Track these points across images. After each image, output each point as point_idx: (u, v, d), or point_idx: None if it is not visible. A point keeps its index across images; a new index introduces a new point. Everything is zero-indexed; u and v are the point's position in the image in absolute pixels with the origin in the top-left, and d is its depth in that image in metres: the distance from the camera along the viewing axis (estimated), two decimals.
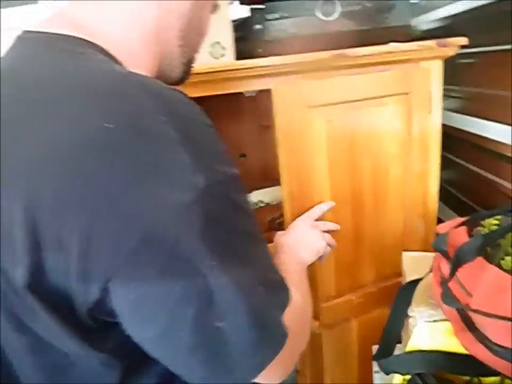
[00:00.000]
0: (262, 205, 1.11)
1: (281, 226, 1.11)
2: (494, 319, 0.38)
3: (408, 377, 0.49)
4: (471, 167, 1.06)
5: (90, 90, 0.32)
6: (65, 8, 0.41)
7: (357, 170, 0.87)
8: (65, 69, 0.34)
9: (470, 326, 0.43)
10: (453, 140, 1.06)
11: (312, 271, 0.88)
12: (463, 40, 0.85)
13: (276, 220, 1.07)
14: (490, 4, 0.90)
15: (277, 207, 1.09)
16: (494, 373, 0.46)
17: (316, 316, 0.91)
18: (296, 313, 0.42)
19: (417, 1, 1.11)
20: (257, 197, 1.12)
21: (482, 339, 0.40)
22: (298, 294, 0.45)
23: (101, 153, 0.29)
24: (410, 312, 0.62)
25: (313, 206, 0.84)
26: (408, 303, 0.62)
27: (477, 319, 0.42)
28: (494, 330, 0.38)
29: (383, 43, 0.84)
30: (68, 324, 0.32)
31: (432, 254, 0.81)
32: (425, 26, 1.17)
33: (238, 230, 0.36)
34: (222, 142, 0.37)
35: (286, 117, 0.78)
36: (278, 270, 0.41)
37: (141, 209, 0.29)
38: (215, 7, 0.48)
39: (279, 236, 0.73)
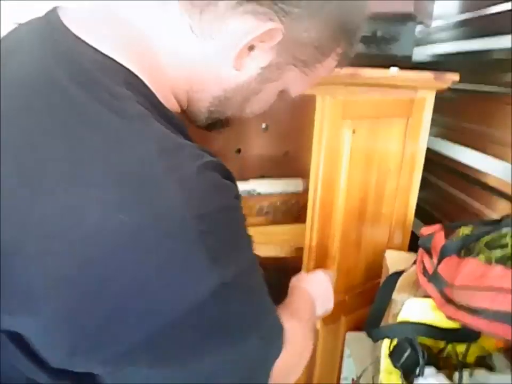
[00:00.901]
0: (254, 193, 1.20)
1: (267, 215, 1.21)
2: (474, 291, 0.50)
3: (394, 344, 0.60)
4: (445, 187, 1.22)
5: (120, 173, 0.29)
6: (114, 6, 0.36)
7: (365, 180, 0.99)
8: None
9: (450, 301, 0.55)
10: (430, 162, 1.21)
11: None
12: (456, 76, 0.99)
13: (263, 209, 1.17)
14: (478, 51, 1.06)
15: (266, 197, 1.18)
16: (464, 340, 0.58)
17: None
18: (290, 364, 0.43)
19: (419, 36, 1.25)
20: (251, 185, 1.21)
21: (462, 308, 0.51)
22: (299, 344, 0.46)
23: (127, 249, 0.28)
24: (394, 296, 0.74)
25: (331, 209, 0.93)
26: (392, 289, 0.74)
27: (458, 294, 0.53)
28: (474, 299, 0.50)
29: (385, 67, 0.96)
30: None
31: (408, 254, 0.94)
32: (422, 58, 1.32)
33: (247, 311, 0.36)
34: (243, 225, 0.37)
35: (324, 123, 0.87)
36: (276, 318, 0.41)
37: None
38: (285, 95, 0.44)
39: (300, 280, 0.69)
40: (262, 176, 1.40)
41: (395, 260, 0.88)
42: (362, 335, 1.05)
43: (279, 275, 1.00)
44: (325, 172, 0.91)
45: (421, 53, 1.35)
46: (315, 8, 0.34)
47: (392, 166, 1.02)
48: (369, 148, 0.97)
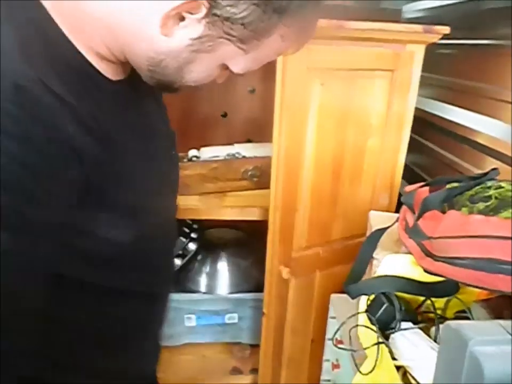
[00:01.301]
0: (239, 156, 1.17)
1: (252, 178, 1.18)
2: (454, 240, 0.47)
3: (371, 298, 0.58)
4: (435, 148, 1.18)
5: None
6: None
7: (340, 136, 0.95)
8: None
9: (428, 254, 0.53)
10: (420, 122, 1.17)
11: (290, 222, 0.96)
12: (446, 29, 0.94)
13: (248, 172, 1.14)
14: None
15: (251, 160, 1.15)
16: (443, 295, 0.56)
17: (287, 263, 0.99)
18: None
19: None
20: (236, 149, 1.18)
21: (441, 259, 0.49)
22: None
23: None
24: (375, 255, 0.72)
25: (298, 166, 0.91)
26: (374, 247, 0.71)
27: (437, 245, 0.51)
28: (454, 248, 0.47)
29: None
30: None
31: (394, 215, 0.91)
32: (413, 14, 1.26)
33: None
34: None
35: (286, 76, 0.83)
36: None
37: None
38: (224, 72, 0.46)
39: None
40: (249, 141, 1.36)
41: (379, 220, 0.85)
42: (347, 298, 1.04)
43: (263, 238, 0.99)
44: (289, 129, 0.88)
45: (412, 9, 1.29)
46: None
47: (374, 123, 0.98)
48: (344, 102, 0.93)
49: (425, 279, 0.56)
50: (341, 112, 0.93)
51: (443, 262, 0.48)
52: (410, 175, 1.21)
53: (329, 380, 1.06)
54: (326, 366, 1.05)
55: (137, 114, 0.51)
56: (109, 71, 0.45)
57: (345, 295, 1.05)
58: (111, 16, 0.40)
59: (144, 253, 0.51)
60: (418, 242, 0.56)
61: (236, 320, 1.26)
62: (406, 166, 1.08)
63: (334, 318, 0.99)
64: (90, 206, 0.42)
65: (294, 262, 1.00)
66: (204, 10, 0.37)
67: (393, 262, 0.58)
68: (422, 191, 0.70)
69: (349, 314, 0.93)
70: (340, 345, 0.93)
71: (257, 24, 0.38)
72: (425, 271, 0.52)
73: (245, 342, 1.29)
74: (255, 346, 1.22)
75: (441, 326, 0.53)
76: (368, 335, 0.56)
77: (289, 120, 0.88)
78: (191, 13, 0.37)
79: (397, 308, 0.54)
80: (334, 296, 1.03)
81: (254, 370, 1.19)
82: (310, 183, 0.95)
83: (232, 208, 1.10)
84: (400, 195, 1.11)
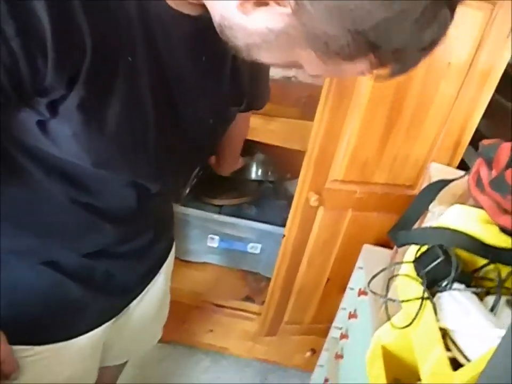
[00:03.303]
0: (295, 80, 1.07)
1: (305, 107, 1.09)
2: None
3: (423, 250, 0.51)
4: None
5: None
6: None
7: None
8: None
9: (507, 211, 0.44)
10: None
11: (330, 150, 0.88)
12: None
13: (302, 99, 1.05)
14: None
15: (308, 87, 1.05)
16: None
17: (318, 191, 0.92)
18: None
19: None
20: (294, 72, 1.09)
21: None
22: None
23: None
24: (431, 207, 0.63)
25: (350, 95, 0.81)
26: (432, 198, 0.63)
27: None
28: None
29: None
30: None
31: (457, 171, 0.81)
32: None
33: None
34: None
35: None
36: None
37: None
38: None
39: None
40: None
41: (441, 173, 0.76)
42: (379, 249, 0.98)
43: None
44: None
45: None
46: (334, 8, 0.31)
47: (454, 65, 0.83)
48: None
49: (495, 241, 0.47)
50: None
51: None
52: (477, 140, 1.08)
53: (341, 328, 1.03)
54: (341, 313, 1.01)
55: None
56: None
57: (377, 248, 1.00)
58: None
59: None
60: (494, 198, 0.47)
61: (258, 251, 1.23)
62: (477, 130, 0.95)
63: (361, 268, 0.94)
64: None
65: (325, 192, 0.93)
66: (288, 8, 0.33)
67: (461, 214, 0.50)
68: (506, 145, 0.59)
69: (379, 267, 0.87)
70: (362, 295, 0.89)
71: (344, 49, 0.33)
72: (502, 229, 0.44)
73: (262, 274, 1.28)
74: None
75: (503, 297, 0.45)
76: (409, 288, 0.50)
77: None
78: (278, 4, 0.34)
79: (453, 265, 0.46)
80: (366, 247, 0.97)
81: (265, 303, 1.18)
82: (361, 116, 0.84)
83: (276, 133, 1.02)
84: (462, 161, 0.98)
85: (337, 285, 1.09)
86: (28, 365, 0.54)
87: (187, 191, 1.19)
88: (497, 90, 0.89)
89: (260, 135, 1.02)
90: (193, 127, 0.51)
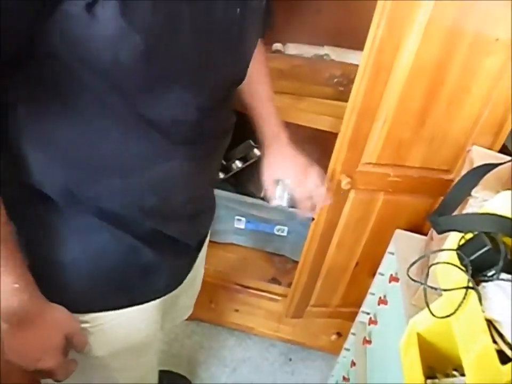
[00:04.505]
0: (327, 59, 1.04)
1: (337, 86, 1.05)
2: None
3: (467, 237, 0.48)
4: None
5: None
6: None
7: (456, 36, 0.76)
8: None
9: None
10: None
11: (364, 132, 0.85)
12: None
13: (334, 78, 1.01)
14: None
15: (340, 65, 1.02)
16: None
17: (350, 174, 0.90)
18: None
19: None
20: (326, 50, 1.05)
21: None
22: None
23: None
24: (473, 193, 0.60)
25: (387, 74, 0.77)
26: (475, 183, 0.60)
27: None
28: None
29: None
30: None
31: (502, 155, 0.77)
32: None
33: None
34: None
35: None
36: None
37: None
38: None
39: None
40: (341, 46, 1.20)
41: (483, 157, 0.72)
42: (411, 235, 0.95)
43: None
44: (387, 37, 0.72)
45: None
46: None
47: (501, 38, 0.77)
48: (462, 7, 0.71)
49: None
50: (455, 20, 0.74)
51: None
52: None
53: (368, 313, 1.02)
54: (370, 298, 1.00)
55: None
56: None
57: (409, 233, 0.97)
58: None
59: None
60: None
61: (284, 233, 1.22)
62: None
63: (392, 253, 0.91)
64: None
65: (358, 174, 0.90)
66: None
67: (508, 201, 0.47)
68: None
69: (411, 253, 0.85)
70: (393, 281, 0.87)
71: None
72: None
73: (288, 256, 1.27)
74: (297, 263, 1.19)
75: None
76: (451, 276, 0.48)
77: (389, 27, 0.72)
78: None
79: (502, 254, 0.44)
80: (398, 232, 0.94)
81: (292, 285, 1.18)
82: (398, 95, 0.80)
83: (307, 113, 0.99)
84: (504, 146, 0.93)
85: (366, 269, 1.08)
86: (104, 331, 0.56)
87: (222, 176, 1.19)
88: None
89: (290, 115, 1.00)
90: (223, 15, 0.47)
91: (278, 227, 1.21)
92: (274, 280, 1.24)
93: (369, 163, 0.90)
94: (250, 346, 1.39)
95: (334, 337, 1.26)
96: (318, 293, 1.14)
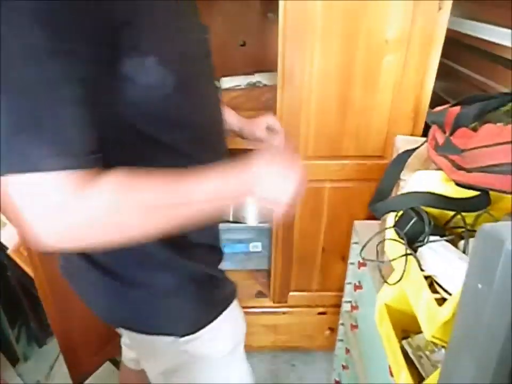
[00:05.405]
0: (260, 85, 1.15)
1: (273, 106, 1.18)
2: (489, 148, 0.46)
3: (399, 215, 0.59)
4: (467, 71, 1.12)
5: None
6: None
7: (349, 53, 0.93)
8: None
9: (460, 167, 0.52)
10: (454, 45, 1.10)
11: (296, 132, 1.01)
12: None
13: (269, 100, 1.12)
14: None
15: (272, 88, 1.13)
16: (475, 209, 0.56)
17: None
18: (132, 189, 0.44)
19: None
20: (257, 78, 1.16)
21: (474, 170, 0.48)
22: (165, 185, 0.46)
23: None
24: (402, 176, 0.71)
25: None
26: (401, 168, 0.71)
27: (471, 157, 0.50)
28: (488, 156, 0.47)
29: None
30: None
31: (421, 139, 0.89)
32: None
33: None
34: None
35: None
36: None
37: None
38: None
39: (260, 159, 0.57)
40: (270, 71, 1.32)
41: (406, 144, 0.84)
42: (370, 222, 1.06)
43: None
44: (293, 50, 0.92)
45: None
46: None
47: (394, 31, 0.91)
48: (351, 15, 0.89)
49: (456, 194, 0.56)
50: (350, 11, 0.89)
51: (477, 171, 0.48)
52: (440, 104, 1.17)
53: (350, 301, 1.11)
54: (348, 288, 1.09)
55: None
56: None
57: (367, 221, 1.08)
58: None
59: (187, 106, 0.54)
60: (449, 158, 0.56)
61: (259, 249, 1.31)
62: (436, 94, 1.03)
63: (356, 243, 1.02)
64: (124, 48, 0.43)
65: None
66: None
67: (423, 178, 0.58)
68: (453, 110, 0.67)
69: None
70: (362, 267, 0.97)
71: None
72: (457, 184, 0.52)
73: (267, 269, 1.35)
74: None
75: (471, 239, 0.53)
76: (395, 249, 0.58)
77: (293, 42, 0.92)
78: None
79: (426, 222, 0.54)
80: (357, 223, 1.05)
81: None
82: (316, 99, 0.98)
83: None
84: (426, 124, 1.07)
85: (333, 254, 1.21)
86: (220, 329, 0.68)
87: None
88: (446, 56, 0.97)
89: (236, 142, 1.10)
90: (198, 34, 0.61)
91: (252, 244, 1.29)
92: (260, 294, 1.31)
93: (309, 156, 1.05)
94: (255, 364, 1.44)
95: (327, 332, 1.34)
96: (296, 278, 1.26)
